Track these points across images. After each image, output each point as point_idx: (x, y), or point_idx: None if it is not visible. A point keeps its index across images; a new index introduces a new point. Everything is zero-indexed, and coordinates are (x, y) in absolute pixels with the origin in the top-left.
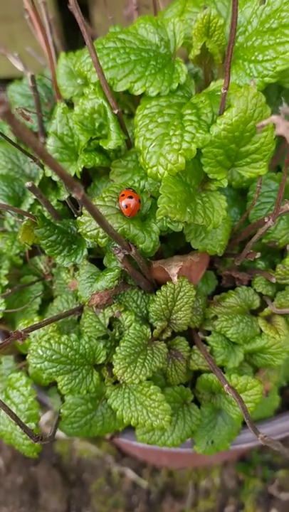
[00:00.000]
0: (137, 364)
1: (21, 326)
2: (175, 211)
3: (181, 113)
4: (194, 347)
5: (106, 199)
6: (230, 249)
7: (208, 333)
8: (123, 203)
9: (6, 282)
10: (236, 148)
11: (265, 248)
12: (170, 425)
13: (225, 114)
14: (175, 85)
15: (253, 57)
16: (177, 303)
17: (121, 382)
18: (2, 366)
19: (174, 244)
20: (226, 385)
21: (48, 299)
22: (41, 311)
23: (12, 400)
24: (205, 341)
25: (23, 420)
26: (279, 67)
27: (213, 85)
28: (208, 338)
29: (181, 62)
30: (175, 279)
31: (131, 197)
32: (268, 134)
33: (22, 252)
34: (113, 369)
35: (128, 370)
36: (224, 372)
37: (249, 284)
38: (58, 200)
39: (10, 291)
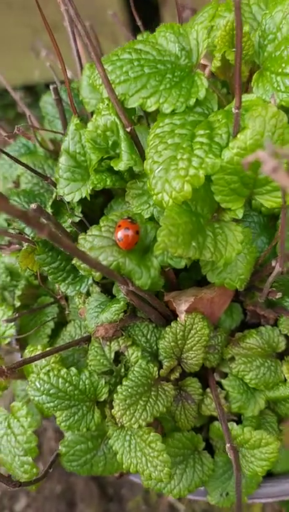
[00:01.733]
0: (138, 407)
1: (27, 352)
2: (176, 245)
3: (193, 133)
4: (208, 390)
5: (103, 229)
6: (258, 281)
7: (226, 375)
8: (119, 235)
9: (18, 304)
10: (253, 175)
11: None
12: (177, 474)
13: (238, 136)
14: (192, 101)
15: (280, 70)
16: (188, 341)
17: (119, 425)
18: (18, 387)
19: (195, 273)
20: (228, 445)
21: (64, 321)
22: (54, 335)
23: (12, 430)
24: (221, 384)
25: (21, 453)
26: None
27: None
28: (224, 382)
29: (201, 74)
30: (182, 317)
31: (128, 228)
32: None
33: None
34: (112, 410)
35: (127, 412)
36: (241, 421)
37: (275, 324)
38: (72, 222)
39: (17, 314)
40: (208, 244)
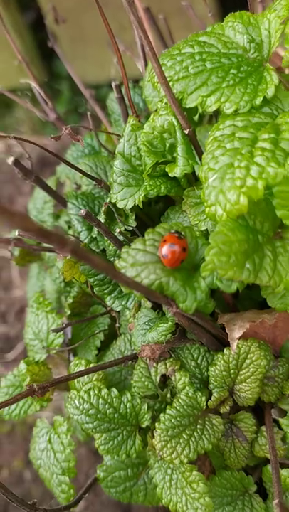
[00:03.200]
0: (181, 441)
1: (72, 365)
2: (227, 266)
3: (256, 137)
4: (263, 428)
5: (147, 243)
6: None
7: (285, 413)
8: (164, 251)
9: (68, 312)
10: None
11: None
12: None
13: None
14: (259, 100)
15: None
16: (241, 372)
17: (159, 457)
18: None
19: (256, 293)
20: (275, 501)
21: (116, 334)
22: (104, 347)
23: (52, 446)
24: (279, 423)
25: (59, 472)
26: None
27: None
28: (282, 421)
29: (271, 69)
30: (234, 346)
31: (174, 244)
32: None
33: None
34: (153, 440)
35: (168, 445)
36: None
37: None
38: (125, 229)
39: (64, 324)
40: (266, 265)
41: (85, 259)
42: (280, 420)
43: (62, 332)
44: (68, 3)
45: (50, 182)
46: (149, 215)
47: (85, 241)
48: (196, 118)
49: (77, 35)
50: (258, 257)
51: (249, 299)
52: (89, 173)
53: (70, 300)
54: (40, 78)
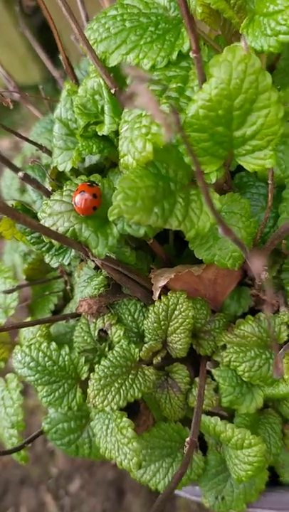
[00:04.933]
0: (112, 389)
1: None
2: (133, 211)
3: (166, 88)
4: (197, 379)
5: (64, 193)
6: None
7: (218, 364)
8: (76, 199)
9: (24, 277)
10: (227, 133)
11: None
12: (163, 468)
13: (203, 87)
14: (175, 54)
15: (265, 10)
16: (171, 323)
17: (91, 406)
18: None
19: None
20: (188, 439)
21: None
22: (59, 311)
23: (4, 402)
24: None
25: (8, 425)
26: None
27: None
28: (214, 371)
29: None
30: (156, 294)
31: (84, 191)
32: (269, 112)
33: None
34: (88, 389)
35: (100, 394)
36: (232, 418)
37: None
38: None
39: (15, 286)
40: (177, 211)
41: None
42: (213, 371)
43: (17, 296)
44: None
45: (18, 159)
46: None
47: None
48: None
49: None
50: (168, 203)
51: (191, 256)
52: (48, 146)
53: (25, 266)
54: (44, 74)
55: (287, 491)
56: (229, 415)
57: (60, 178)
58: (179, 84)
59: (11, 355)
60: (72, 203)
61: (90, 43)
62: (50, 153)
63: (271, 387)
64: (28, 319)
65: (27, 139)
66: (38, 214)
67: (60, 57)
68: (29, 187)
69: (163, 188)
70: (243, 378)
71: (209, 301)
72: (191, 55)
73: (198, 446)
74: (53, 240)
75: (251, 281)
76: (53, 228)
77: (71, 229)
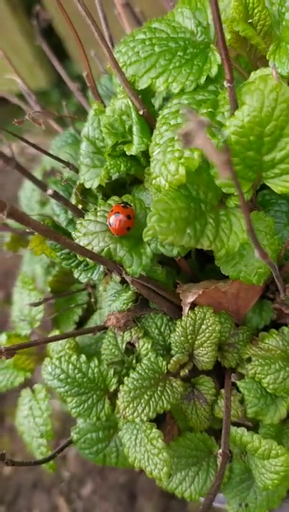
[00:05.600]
0: (142, 401)
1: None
2: (167, 232)
3: (197, 112)
4: (222, 391)
5: (98, 214)
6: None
7: (243, 377)
8: (111, 220)
9: (48, 289)
10: (258, 157)
11: None
12: (189, 476)
13: (236, 113)
14: (203, 79)
15: None
16: (198, 337)
17: (122, 417)
18: None
19: None
20: (219, 450)
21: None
22: (82, 323)
23: (32, 412)
24: (237, 386)
25: (37, 435)
26: None
27: (251, 77)
28: (239, 384)
29: (215, 50)
30: (186, 311)
31: (118, 213)
32: None
33: None
34: (117, 401)
35: (130, 405)
36: (257, 428)
37: None
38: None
39: (42, 299)
40: (208, 232)
41: (22, 220)
42: (238, 383)
43: (43, 308)
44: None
45: (38, 171)
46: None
47: (64, 223)
48: (159, 102)
49: (85, 36)
50: (200, 224)
51: (214, 271)
52: (70, 160)
53: (50, 278)
54: (51, 80)
55: None
56: (254, 425)
57: (85, 194)
58: (209, 109)
59: (37, 366)
60: (107, 223)
61: (120, 65)
62: (75, 169)
63: None
64: (57, 332)
65: (50, 155)
66: (73, 233)
67: (84, 74)
68: (52, 201)
69: (194, 209)
70: (268, 390)
71: (232, 315)
72: (226, 84)
73: (230, 457)
74: (79, 257)
75: (273, 295)
76: (88, 247)
77: (106, 248)
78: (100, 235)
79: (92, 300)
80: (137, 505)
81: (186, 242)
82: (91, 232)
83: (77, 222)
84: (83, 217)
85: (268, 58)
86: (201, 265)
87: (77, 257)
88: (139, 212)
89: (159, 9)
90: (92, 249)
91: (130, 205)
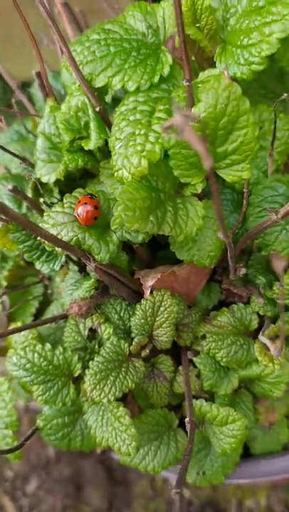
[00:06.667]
0: (108, 382)
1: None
2: (133, 220)
3: (154, 109)
4: (180, 368)
5: (65, 205)
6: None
7: (199, 353)
8: (79, 210)
9: (5, 284)
10: (212, 149)
11: (266, 261)
12: (151, 451)
13: (192, 110)
14: (156, 78)
15: (239, 42)
16: (157, 318)
17: (89, 399)
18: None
19: (173, 252)
20: (186, 419)
21: (50, 301)
22: (40, 315)
23: None
24: (194, 363)
25: (2, 426)
26: (264, 52)
27: (201, 76)
28: (195, 360)
29: (166, 51)
30: (147, 293)
31: (86, 203)
32: (247, 132)
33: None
34: (84, 384)
35: (97, 387)
36: (213, 399)
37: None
38: (51, 203)
39: (1, 293)
40: (168, 219)
41: (9, 216)
42: (194, 359)
43: (0, 302)
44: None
45: None
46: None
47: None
48: (108, 99)
49: (6, 34)
50: (161, 211)
51: (166, 258)
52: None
53: (6, 273)
54: None
55: (257, 461)
56: (209, 397)
57: (37, 190)
58: (166, 107)
59: None
60: (75, 214)
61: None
62: (31, 164)
63: (245, 369)
64: (18, 324)
65: (8, 151)
66: (40, 225)
67: (34, 71)
68: (5, 196)
69: (155, 198)
70: (221, 363)
71: (184, 297)
72: (184, 83)
73: (197, 426)
74: (47, 248)
75: (220, 278)
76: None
77: (75, 238)
78: (68, 225)
79: (49, 292)
80: (84, 496)
81: (149, 229)
82: (59, 223)
83: (45, 214)
84: (41, 211)
85: (215, 60)
86: (152, 253)
87: (39, 249)
88: (103, 203)
89: (98, 9)
90: (61, 238)
91: (96, 196)
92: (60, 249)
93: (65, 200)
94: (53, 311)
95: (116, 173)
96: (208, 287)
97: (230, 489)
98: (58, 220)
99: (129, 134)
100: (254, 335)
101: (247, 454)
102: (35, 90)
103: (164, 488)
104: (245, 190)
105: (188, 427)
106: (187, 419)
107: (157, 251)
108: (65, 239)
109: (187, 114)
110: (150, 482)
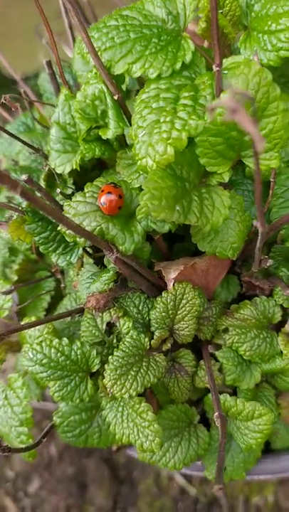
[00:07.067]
0: (129, 377)
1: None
2: (159, 209)
3: (178, 96)
4: (202, 362)
5: (87, 195)
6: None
7: (220, 347)
8: (102, 200)
9: (15, 278)
10: (239, 137)
11: None
12: (172, 447)
13: (221, 96)
14: (178, 65)
15: (266, 28)
16: (179, 311)
17: (110, 395)
18: (18, 362)
19: (190, 244)
20: (216, 413)
21: (62, 295)
22: (52, 309)
23: (9, 401)
24: (215, 357)
25: (16, 424)
26: None
27: (225, 63)
28: (218, 353)
29: (188, 38)
30: (170, 285)
31: (110, 193)
32: (277, 119)
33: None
34: (104, 380)
35: (118, 382)
36: (236, 394)
37: (271, 295)
38: (64, 194)
39: (13, 287)
40: (194, 208)
41: (34, 201)
42: (216, 353)
43: (10, 296)
44: None
45: None
46: (87, 181)
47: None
48: (124, 87)
49: (4, 30)
50: (186, 201)
51: (183, 250)
52: (26, 147)
53: (16, 266)
54: None
55: (278, 456)
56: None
57: (50, 181)
58: (191, 93)
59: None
60: (98, 203)
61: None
62: (45, 156)
63: (268, 363)
64: (33, 318)
65: (22, 141)
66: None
67: (44, 61)
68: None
69: (181, 187)
70: (244, 357)
71: (203, 290)
72: (215, 68)
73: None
74: (68, 238)
75: (240, 270)
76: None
77: (98, 228)
78: (90, 215)
79: (62, 286)
80: (87, 495)
81: (176, 219)
82: (81, 213)
83: (65, 204)
84: (55, 202)
85: (239, 46)
86: (168, 246)
87: (55, 241)
88: (126, 193)
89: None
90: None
91: (120, 186)
92: (82, 239)
93: (86, 190)
94: (67, 305)
95: (140, 161)
96: (226, 280)
97: (238, 486)
98: (80, 210)
99: (153, 121)
100: (277, 328)
101: (268, 449)
102: (43, 81)
103: (170, 485)
104: (272, 179)
105: (217, 421)
106: (215, 414)
107: (174, 243)
108: (88, 229)
109: (243, 92)
110: (155, 480)
